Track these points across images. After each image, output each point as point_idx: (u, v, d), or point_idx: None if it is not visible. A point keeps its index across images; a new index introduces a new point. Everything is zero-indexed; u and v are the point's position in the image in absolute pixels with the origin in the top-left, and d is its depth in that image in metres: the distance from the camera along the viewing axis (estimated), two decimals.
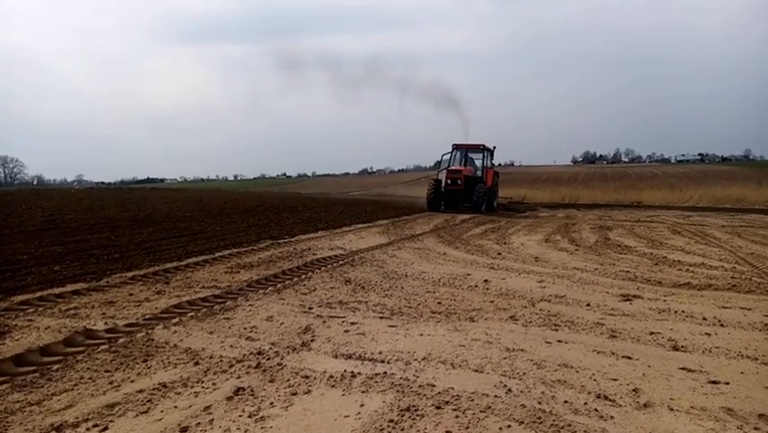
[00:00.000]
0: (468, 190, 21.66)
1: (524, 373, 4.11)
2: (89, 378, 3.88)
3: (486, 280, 7.69)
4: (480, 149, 23.41)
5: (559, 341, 4.97)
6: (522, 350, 4.66)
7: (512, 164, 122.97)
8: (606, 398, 3.70)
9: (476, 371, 4.15)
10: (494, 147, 24.26)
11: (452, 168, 22.59)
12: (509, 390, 3.76)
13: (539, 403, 3.55)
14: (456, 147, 23.63)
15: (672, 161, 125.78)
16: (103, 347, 4.49)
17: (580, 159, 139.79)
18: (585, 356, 4.56)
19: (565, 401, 3.61)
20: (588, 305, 6.40)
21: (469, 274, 8.20)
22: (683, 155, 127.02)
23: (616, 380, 4.05)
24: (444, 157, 23.95)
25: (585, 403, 3.60)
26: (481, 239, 13.29)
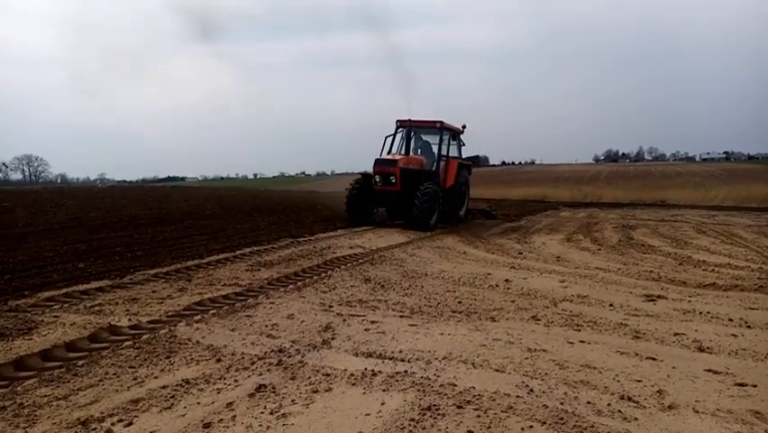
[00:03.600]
0: (408, 193, 13.61)
1: (546, 374, 4.07)
2: (114, 374, 3.93)
3: (507, 280, 7.64)
4: (437, 127, 15.17)
5: (581, 341, 4.92)
6: (544, 350, 4.62)
7: (532, 162, 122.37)
8: (630, 399, 3.65)
9: (497, 371, 4.12)
10: (463, 126, 16.52)
11: (382, 157, 14.58)
12: (531, 390, 3.73)
13: (561, 404, 3.52)
14: (400, 124, 15.30)
15: (697, 159, 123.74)
16: (127, 344, 4.55)
17: (602, 157, 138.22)
18: (608, 357, 4.51)
19: (588, 402, 3.57)
20: (611, 305, 6.33)
21: (489, 274, 8.15)
22: (708, 153, 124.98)
23: (640, 381, 3.99)
24: (389, 141, 15.58)
25: (608, 404, 3.55)
26: (502, 238, 13.22)
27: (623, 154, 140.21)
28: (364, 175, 14.69)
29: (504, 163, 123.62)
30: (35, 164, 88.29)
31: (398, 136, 15.49)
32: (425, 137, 16.19)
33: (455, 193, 15.63)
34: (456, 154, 16.35)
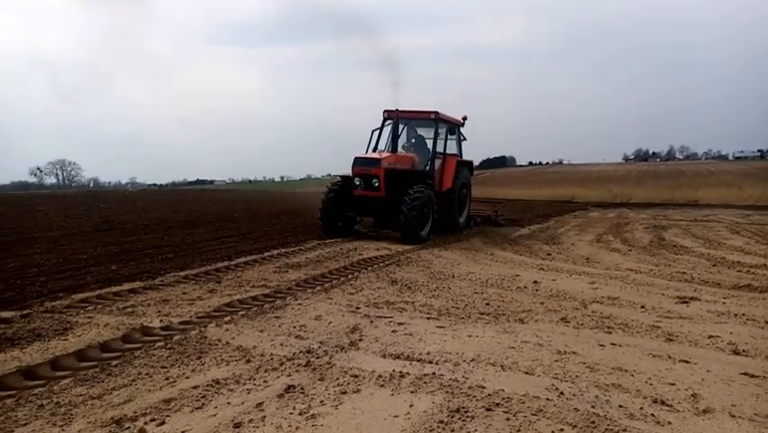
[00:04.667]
0: (394, 198, 11.29)
1: (576, 376, 4.02)
2: (146, 374, 4.00)
3: (535, 282, 7.57)
4: (432, 119, 12.70)
5: (612, 344, 4.84)
6: (574, 353, 4.56)
7: (560, 162, 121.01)
8: (663, 403, 3.58)
9: (527, 373, 4.08)
10: (463, 118, 14.10)
11: (363, 155, 12.15)
12: (561, 393, 3.68)
13: (592, 407, 3.47)
14: (388, 115, 12.85)
15: (730, 157, 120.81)
16: (159, 344, 4.63)
17: (632, 156, 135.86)
18: (640, 360, 4.43)
19: (620, 406, 3.51)
20: (642, 307, 6.22)
21: (518, 275, 8.08)
22: (742, 151, 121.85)
23: (673, 384, 3.91)
24: (376, 135, 13.13)
25: (641, 408, 3.49)
26: (530, 239, 13.10)
27: (653, 153, 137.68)
28: (344, 178, 12.23)
29: (531, 164, 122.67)
30: (68, 169, 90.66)
31: (388, 131, 12.99)
32: (420, 131, 13.57)
33: (454, 197, 13.08)
34: (456, 151, 13.89)
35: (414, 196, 11.11)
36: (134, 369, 4.08)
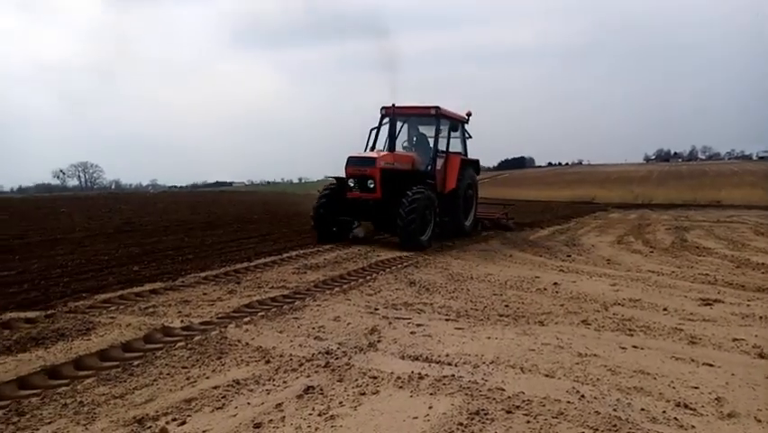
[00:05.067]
0: (391, 201, 10.46)
1: (597, 379, 3.97)
2: (168, 373, 4.04)
3: (555, 283, 7.51)
4: (433, 115, 11.88)
5: (634, 347, 4.78)
6: (595, 355, 4.51)
7: (579, 163, 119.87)
8: (686, 406, 3.53)
9: (547, 376, 4.04)
10: (467, 114, 13.27)
11: (357, 154, 11.19)
12: (582, 396, 3.64)
13: (614, 410, 3.42)
14: (386, 112, 11.93)
15: (754, 157, 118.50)
16: (180, 344, 4.67)
17: (653, 157, 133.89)
18: (663, 363, 4.37)
19: (642, 409, 3.46)
20: (665, 309, 6.13)
21: (537, 277, 8.02)
22: (766, 151, 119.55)
23: (696, 388, 3.85)
24: (374, 134, 12.29)
25: (664, 412, 3.44)
26: (549, 241, 13.00)
27: (675, 154, 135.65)
28: (339, 179, 11.29)
29: (550, 164, 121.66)
30: (90, 171, 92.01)
31: (386, 129, 11.95)
32: (422, 129, 12.71)
33: (458, 199, 12.32)
34: (460, 149, 13.18)
35: (412, 198, 10.22)
36: (156, 369, 4.13)
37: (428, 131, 12.38)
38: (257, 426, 3.20)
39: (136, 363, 4.25)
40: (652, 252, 11.12)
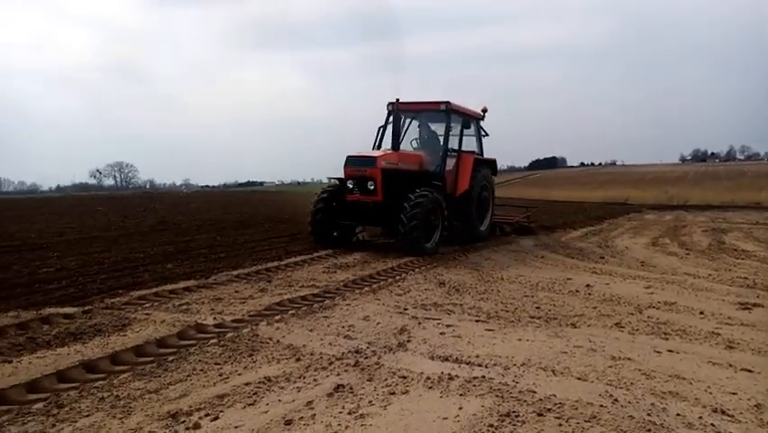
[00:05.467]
0: (393, 204, 9.65)
1: (631, 383, 3.90)
2: (201, 370, 4.11)
3: (588, 285, 7.39)
4: (442, 110, 11.02)
5: (670, 351, 4.68)
6: (629, 359, 4.43)
7: (613, 163, 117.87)
8: (723, 412, 3.44)
9: (579, 379, 3.98)
10: (483, 110, 12.44)
11: (357, 154, 10.36)
12: (616, 400, 3.58)
13: (648, 415, 3.35)
14: (393, 107, 10.62)
15: None
16: (212, 341, 4.75)
17: (689, 157, 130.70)
18: (699, 368, 4.27)
19: (678, 414, 3.39)
20: (701, 313, 5.99)
21: (569, 279, 7.92)
22: None
23: (734, 394, 3.75)
24: (388, 132, 11.31)
25: (700, 417, 3.35)
26: (582, 242, 12.81)
27: (712, 154, 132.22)
28: (341, 180, 10.35)
29: (582, 164, 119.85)
30: (126, 171, 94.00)
31: (392, 127, 10.91)
32: (434, 127, 11.75)
33: (471, 202, 11.32)
34: (475, 148, 12.22)
35: (415, 201, 9.40)
36: (189, 365, 4.20)
37: (440, 129, 11.39)
38: (288, 423, 3.23)
39: (170, 358, 4.33)
40: (688, 254, 10.87)
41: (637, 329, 5.37)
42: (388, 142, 11.08)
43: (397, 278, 7.71)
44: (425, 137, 11.75)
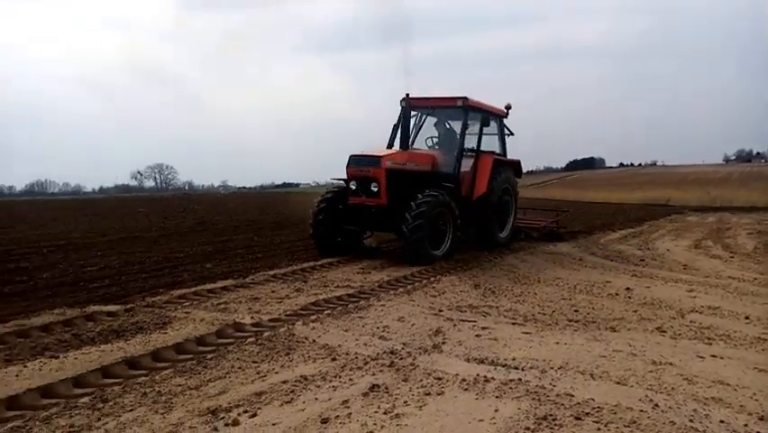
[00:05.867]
0: (399, 207, 8.75)
1: (672, 388, 3.81)
2: (239, 367, 4.18)
3: (628, 288, 7.25)
4: (459, 107, 10.05)
5: (713, 356, 4.56)
6: (670, 364, 4.33)
7: (653, 163, 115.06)
8: None
9: (618, 383, 3.91)
10: (506, 107, 11.39)
11: (360, 153, 9.37)
12: (656, 405, 3.50)
13: (690, 421, 3.27)
14: (407, 104, 9.69)
15: None
16: (250, 340, 4.83)
17: (733, 157, 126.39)
18: (744, 374, 4.14)
19: (721, 421, 3.29)
20: (746, 318, 5.81)
21: (608, 281, 7.77)
22: None
23: None
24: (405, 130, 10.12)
25: (745, 425, 3.26)
26: (621, 244, 12.56)
27: (757, 154, 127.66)
28: (347, 182, 9.46)
29: (622, 165, 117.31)
30: (166, 172, 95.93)
31: (413, 122, 10.50)
32: (454, 125, 10.71)
33: (490, 206, 10.36)
34: (497, 148, 11.26)
35: (420, 206, 8.51)
36: (228, 362, 4.28)
37: (459, 127, 10.37)
38: (324, 421, 3.26)
39: (209, 356, 4.42)
40: (732, 257, 10.55)
41: (679, 334, 5.24)
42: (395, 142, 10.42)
43: (432, 279, 7.69)
44: (442, 136, 10.85)
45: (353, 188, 9.18)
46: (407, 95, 9.63)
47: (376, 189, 8.92)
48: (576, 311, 6.11)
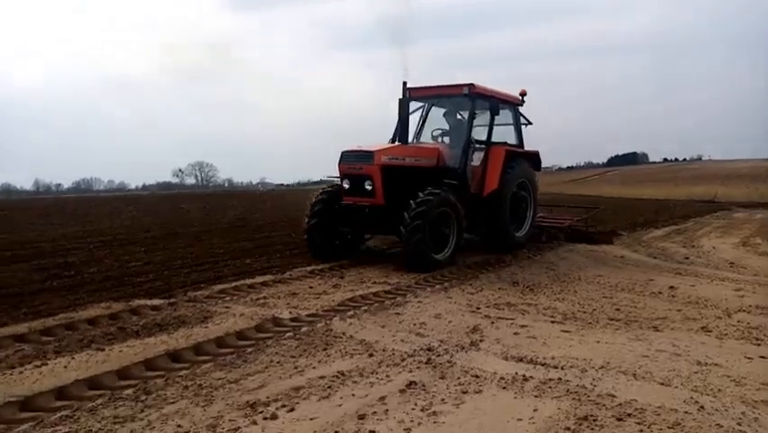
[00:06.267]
0: (397, 208, 7.93)
1: (719, 390, 3.69)
2: (277, 362, 4.23)
3: (672, 287, 7.06)
4: (465, 95, 9.16)
5: (762, 357, 4.41)
6: (716, 364, 4.20)
7: (699, 158, 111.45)
8: None
9: (662, 384, 3.81)
10: (522, 93, 10.31)
11: (352, 149, 8.52)
12: (702, 407, 3.40)
13: (738, 424, 3.17)
14: (410, 95, 9.16)
15: None
16: (288, 335, 4.88)
17: None
18: None
19: None
20: None
21: (651, 280, 7.58)
22: None
23: None
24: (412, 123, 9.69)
25: None
26: (664, 241, 12.25)
27: None
28: (343, 178, 8.63)
29: (666, 160, 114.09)
30: (206, 170, 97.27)
31: (419, 114, 10.01)
32: (462, 115, 9.65)
33: (503, 203, 9.33)
34: (517, 139, 10.29)
35: (419, 205, 7.71)
36: (267, 357, 4.34)
37: (464, 113, 9.54)
38: (361, 417, 3.27)
39: (249, 350, 4.49)
40: None
41: (726, 334, 5.08)
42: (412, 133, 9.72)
43: (470, 276, 7.63)
44: (452, 128, 9.92)
45: (346, 186, 8.47)
46: (404, 83, 8.82)
47: (370, 188, 8.13)
48: (617, 310, 5.98)
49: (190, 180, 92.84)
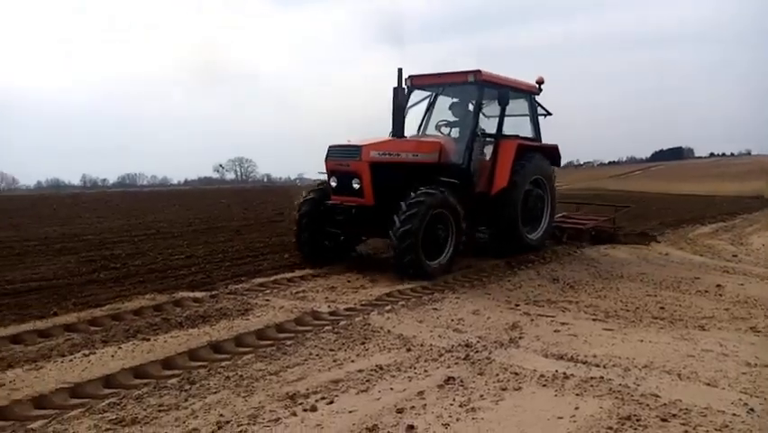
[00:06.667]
0: (385, 209, 7.08)
1: None
2: (317, 355, 4.28)
3: (719, 285, 6.84)
4: (471, 82, 8.28)
5: None
6: (766, 366, 4.05)
7: (748, 153, 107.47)
8: None
9: (708, 385, 3.70)
10: (539, 81, 9.39)
11: (339, 144, 7.72)
12: (751, 409, 3.29)
13: None
14: (412, 83, 8.78)
15: None
16: (327, 328, 4.93)
17: None
18: None
19: None
20: None
21: (697, 278, 7.36)
22: None
23: None
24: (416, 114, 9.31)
25: None
26: (711, 239, 11.87)
27: None
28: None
29: (713, 155, 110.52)
30: (245, 165, 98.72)
31: (425, 105, 9.26)
32: (471, 106, 8.64)
33: (514, 202, 8.49)
34: (529, 132, 9.35)
35: (411, 207, 6.88)
36: (306, 349, 4.39)
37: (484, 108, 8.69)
38: (399, 411, 3.28)
39: (289, 343, 4.55)
40: None
41: None
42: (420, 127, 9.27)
43: (508, 273, 7.57)
44: (461, 120, 8.92)
45: (333, 184, 7.71)
46: (400, 70, 7.86)
47: (358, 186, 7.35)
48: (662, 308, 5.83)
49: (230, 176, 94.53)
